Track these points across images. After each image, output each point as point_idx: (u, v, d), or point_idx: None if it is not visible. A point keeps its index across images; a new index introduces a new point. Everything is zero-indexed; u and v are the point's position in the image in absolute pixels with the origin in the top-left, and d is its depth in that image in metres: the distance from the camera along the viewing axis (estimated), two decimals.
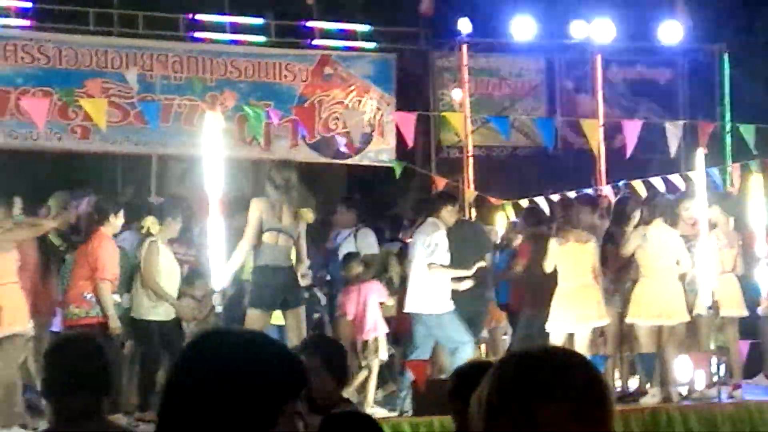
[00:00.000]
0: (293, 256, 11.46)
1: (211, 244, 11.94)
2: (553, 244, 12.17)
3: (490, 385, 2.21)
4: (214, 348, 2.48)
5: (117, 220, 11.35)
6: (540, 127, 16.47)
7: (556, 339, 11.97)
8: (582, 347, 11.88)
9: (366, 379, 12.21)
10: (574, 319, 11.98)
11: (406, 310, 12.03)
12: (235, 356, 2.45)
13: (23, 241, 11.28)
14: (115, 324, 10.94)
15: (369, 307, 12.33)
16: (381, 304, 12.47)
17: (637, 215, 12.53)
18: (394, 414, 11.54)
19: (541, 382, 2.17)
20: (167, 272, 11.87)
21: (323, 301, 13.70)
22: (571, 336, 12.04)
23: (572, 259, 12.03)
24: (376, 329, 12.34)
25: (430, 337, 11.97)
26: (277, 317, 11.58)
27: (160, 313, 11.79)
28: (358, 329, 12.33)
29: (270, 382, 2.43)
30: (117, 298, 11.12)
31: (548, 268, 12.14)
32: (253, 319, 11.22)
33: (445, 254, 11.91)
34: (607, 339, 12.65)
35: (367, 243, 13.44)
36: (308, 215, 12.18)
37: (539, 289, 12.23)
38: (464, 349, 11.71)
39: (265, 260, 11.30)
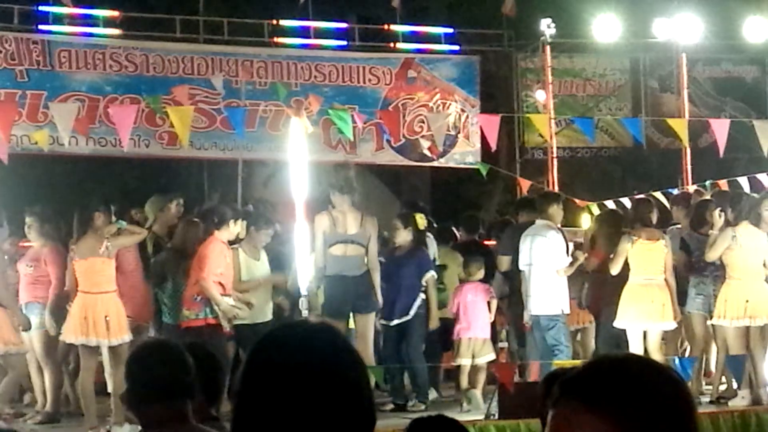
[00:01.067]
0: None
1: (296, 248, 12.04)
2: (623, 242, 12.12)
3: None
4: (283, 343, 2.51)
5: (235, 228, 11.39)
6: (625, 127, 16.39)
7: (632, 337, 11.93)
8: (651, 347, 11.84)
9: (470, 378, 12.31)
10: (640, 317, 11.92)
11: (533, 312, 12.11)
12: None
13: (124, 247, 11.45)
14: (224, 323, 10.99)
15: (467, 307, 12.38)
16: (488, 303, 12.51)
17: (721, 218, 12.40)
18: (480, 417, 11.53)
19: (620, 388, 2.16)
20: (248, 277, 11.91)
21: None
22: (644, 334, 12.00)
23: (642, 256, 11.96)
24: (471, 329, 12.35)
25: (543, 341, 12.02)
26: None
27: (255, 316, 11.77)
28: (458, 329, 12.41)
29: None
30: (230, 300, 11.19)
31: (615, 268, 12.07)
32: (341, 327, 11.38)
33: (564, 255, 11.97)
34: (685, 341, 12.57)
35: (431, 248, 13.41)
36: (421, 221, 12.29)
37: (615, 288, 12.18)
38: (561, 354, 11.75)
39: (334, 270, 11.39)
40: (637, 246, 11.98)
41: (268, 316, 11.74)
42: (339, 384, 2.45)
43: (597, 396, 2.15)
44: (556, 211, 12.24)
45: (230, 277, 11.32)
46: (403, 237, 12.46)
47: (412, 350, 12.32)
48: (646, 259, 11.97)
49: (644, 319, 11.93)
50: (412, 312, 12.23)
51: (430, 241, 13.38)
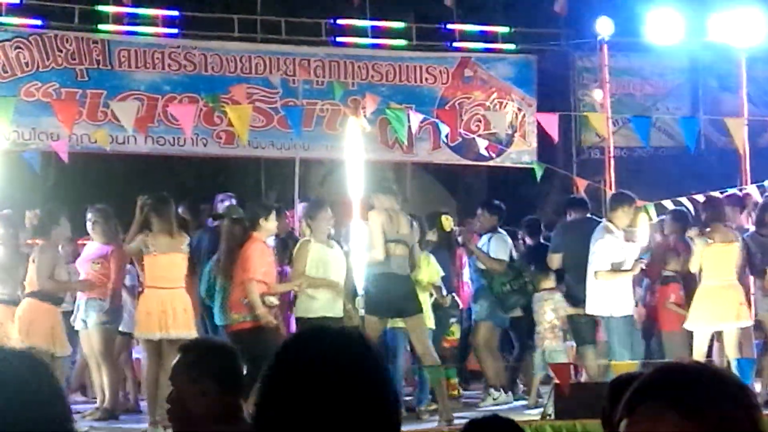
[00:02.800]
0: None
1: (353, 246, 12.08)
2: (699, 243, 12.06)
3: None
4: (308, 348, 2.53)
5: (269, 224, 11.40)
6: (683, 126, 16.26)
7: (698, 340, 11.87)
8: (729, 347, 11.77)
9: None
10: (715, 318, 11.85)
11: (588, 312, 12.12)
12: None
13: None
14: (267, 319, 10.97)
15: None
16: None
17: None
18: (536, 417, 11.53)
19: (688, 395, 2.19)
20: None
21: (461, 305, 13.74)
22: (715, 335, 11.92)
23: (717, 258, 11.90)
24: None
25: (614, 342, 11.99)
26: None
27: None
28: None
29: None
30: (273, 300, 11.20)
31: (694, 267, 12.04)
32: (371, 324, 11.36)
33: (611, 258, 11.89)
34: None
35: (498, 249, 13.38)
36: (447, 223, 12.29)
37: (692, 289, 12.17)
38: (614, 355, 11.74)
39: (383, 269, 11.39)
40: (712, 248, 11.92)
41: (338, 311, 11.52)
42: (361, 390, 2.46)
43: (685, 400, 2.16)
44: (625, 213, 12.15)
45: (273, 276, 11.35)
46: (430, 238, 12.56)
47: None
48: (721, 261, 11.91)
49: (719, 321, 11.87)
50: None
51: (501, 239, 13.35)
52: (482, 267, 13.21)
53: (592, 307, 12.03)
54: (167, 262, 11.14)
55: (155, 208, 11.28)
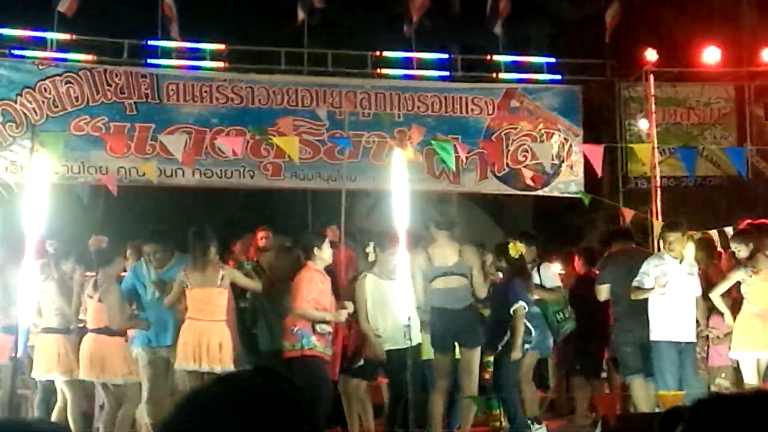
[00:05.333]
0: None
1: (399, 277, 12.10)
2: (737, 270, 12.05)
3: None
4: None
5: (323, 252, 11.50)
6: (730, 156, 16.20)
7: (745, 368, 11.82)
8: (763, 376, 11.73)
9: None
10: (755, 347, 11.80)
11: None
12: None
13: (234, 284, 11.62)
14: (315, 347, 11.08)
15: None
16: None
17: None
18: None
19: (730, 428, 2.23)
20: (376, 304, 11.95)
21: (533, 333, 13.63)
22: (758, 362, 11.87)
23: (761, 288, 11.87)
24: None
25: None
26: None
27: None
28: None
29: None
30: (326, 327, 11.29)
31: (717, 291, 12.05)
32: (436, 359, 11.44)
33: (643, 278, 11.90)
34: None
35: (550, 276, 13.42)
36: (514, 249, 12.29)
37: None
38: (659, 383, 11.69)
39: (438, 303, 11.45)
40: (756, 278, 11.89)
41: (400, 343, 11.51)
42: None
43: None
44: (676, 240, 12.13)
45: (326, 304, 11.41)
46: (499, 267, 12.58)
47: (503, 380, 12.34)
48: (763, 288, 11.88)
49: (759, 348, 11.83)
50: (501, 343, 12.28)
51: (549, 268, 13.37)
52: (536, 297, 13.22)
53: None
54: (202, 296, 11.21)
55: (190, 242, 11.38)
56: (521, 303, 12.29)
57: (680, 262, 11.99)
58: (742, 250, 12.16)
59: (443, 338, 11.49)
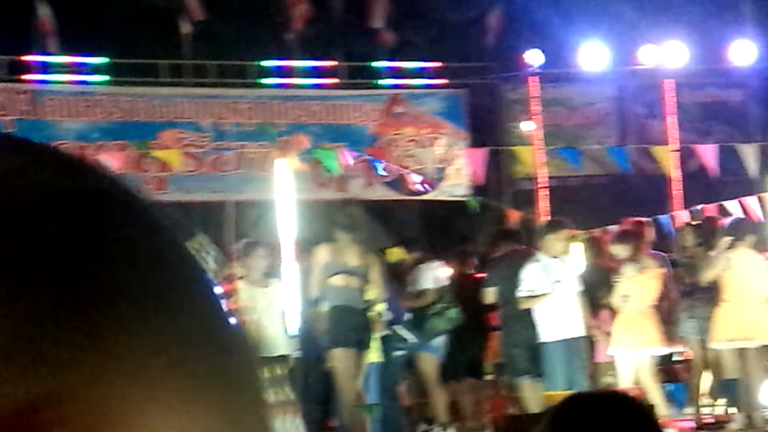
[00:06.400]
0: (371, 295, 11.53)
1: (286, 287, 12.03)
2: (629, 269, 12.18)
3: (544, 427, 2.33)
4: None
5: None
6: (612, 155, 16.39)
7: (621, 365, 11.97)
8: (645, 374, 11.87)
9: None
10: (633, 344, 11.95)
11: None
12: None
13: None
14: None
15: None
16: None
17: (724, 241, 12.42)
18: None
19: (588, 423, 2.27)
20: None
21: (409, 338, 13.63)
22: (636, 362, 12.01)
23: (646, 283, 12.03)
24: None
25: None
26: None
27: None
28: None
29: None
30: None
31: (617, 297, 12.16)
32: (339, 357, 11.31)
33: (530, 284, 11.92)
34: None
35: (428, 277, 13.45)
36: (392, 255, 12.26)
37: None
38: (549, 383, 11.74)
39: (337, 301, 11.37)
40: (643, 276, 12.03)
41: (281, 349, 11.39)
42: None
43: None
44: (552, 240, 12.20)
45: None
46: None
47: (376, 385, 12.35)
48: (643, 287, 12.03)
49: (640, 346, 11.96)
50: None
51: (425, 271, 13.38)
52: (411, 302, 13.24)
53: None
54: None
55: None
56: (381, 305, 12.33)
57: (561, 261, 12.07)
58: (621, 253, 12.30)
59: (345, 335, 11.35)
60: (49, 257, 0.55)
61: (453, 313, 13.04)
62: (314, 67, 18.08)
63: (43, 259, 0.55)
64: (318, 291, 11.37)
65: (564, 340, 11.90)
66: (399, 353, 13.21)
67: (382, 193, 17.95)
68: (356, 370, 11.41)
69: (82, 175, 0.61)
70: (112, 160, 15.38)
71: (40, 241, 0.55)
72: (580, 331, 11.95)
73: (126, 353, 0.54)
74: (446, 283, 13.63)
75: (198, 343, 0.57)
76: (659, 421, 2.39)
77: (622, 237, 12.69)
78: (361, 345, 11.40)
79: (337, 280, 11.34)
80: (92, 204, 0.59)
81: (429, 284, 13.27)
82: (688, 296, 12.46)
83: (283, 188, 13.92)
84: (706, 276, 12.16)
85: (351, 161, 15.66)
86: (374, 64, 18.23)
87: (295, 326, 11.68)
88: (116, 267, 0.57)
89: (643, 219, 13.67)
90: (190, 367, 0.56)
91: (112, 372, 0.54)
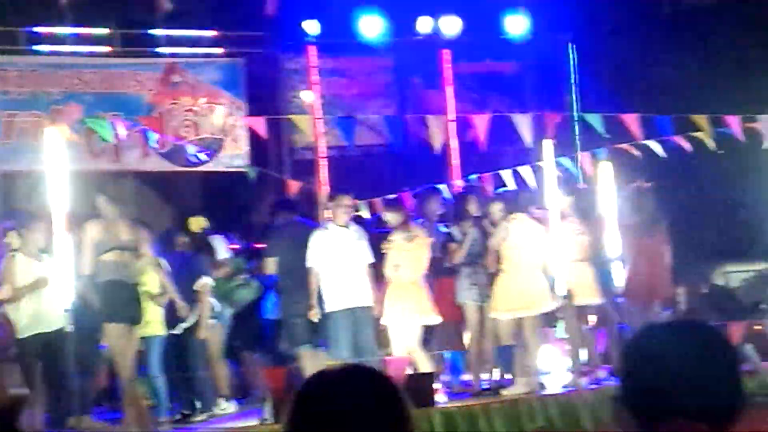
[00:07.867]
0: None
1: (57, 260, 11.67)
2: (398, 240, 12.25)
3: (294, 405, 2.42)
4: None
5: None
6: (389, 125, 16.41)
7: (395, 335, 12.07)
8: (415, 343, 12.01)
9: None
10: (405, 314, 12.05)
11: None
12: None
13: None
14: None
15: None
16: None
17: (499, 209, 12.60)
18: (254, 423, 11.41)
19: (331, 399, 2.36)
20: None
21: (217, 307, 13.37)
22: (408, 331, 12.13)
23: (415, 253, 12.14)
24: None
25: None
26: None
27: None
28: None
29: None
30: None
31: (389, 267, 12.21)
32: (114, 332, 11.04)
33: (316, 254, 11.89)
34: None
35: (220, 249, 13.37)
36: (196, 224, 12.06)
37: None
38: (332, 353, 11.75)
39: (108, 276, 11.11)
40: (411, 245, 12.10)
41: (57, 323, 11.09)
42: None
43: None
44: (334, 210, 12.19)
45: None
46: (182, 241, 12.47)
47: (193, 359, 12.22)
48: (413, 258, 12.13)
49: (412, 314, 12.06)
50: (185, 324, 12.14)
51: (219, 242, 13.27)
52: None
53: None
54: None
55: None
56: (206, 279, 12.20)
57: (347, 229, 12.06)
58: (392, 220, 12.41)
59: (120, 309, 11.10)
60: None
61: (257, 283, 13.01)
62: (88, 34, 17.56)
63: None
64: (90, 268, 11.13)
65: (349, 309, 11.89)
66: (210, 321, 13.06)
67: (158, 165, 17.60)
68: (129, 345, 11.18)
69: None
70: None
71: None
72: (367, 301, 11.96)
73: None
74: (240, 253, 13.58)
75: None
76: (402, 394, 2.42)
77: (390, 206, 12.82)
78: (135, 320, 11.19)
79: (110, 256, 11.10)
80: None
81: (222, 255, 13.25)
82: (468, 263, 12.63)
83: (55, 159, 13.47)
84: (493, 244, 12.36)
85: (125, 132, 15.27)
86: (150, 31, 17.84)
87: (69, 300, 11.35)
88: None
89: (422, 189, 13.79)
90: None
91: None
